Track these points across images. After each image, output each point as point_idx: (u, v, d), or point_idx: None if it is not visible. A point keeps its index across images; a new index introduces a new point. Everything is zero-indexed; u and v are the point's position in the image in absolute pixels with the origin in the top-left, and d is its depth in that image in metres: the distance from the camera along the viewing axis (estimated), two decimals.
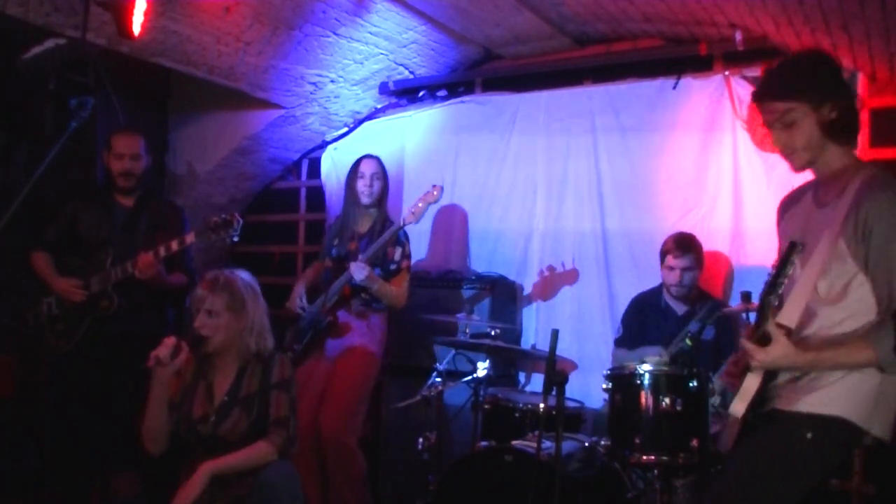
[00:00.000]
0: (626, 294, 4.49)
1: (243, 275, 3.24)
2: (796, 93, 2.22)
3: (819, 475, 2.21)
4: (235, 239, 3.84)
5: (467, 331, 4.38)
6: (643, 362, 3.62)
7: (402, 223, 4.10)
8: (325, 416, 3.99)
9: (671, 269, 4.07)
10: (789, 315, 2.19)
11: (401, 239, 4.29)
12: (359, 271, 3.97)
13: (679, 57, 4.79)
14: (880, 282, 2.12)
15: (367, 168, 4.32)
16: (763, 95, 2.31)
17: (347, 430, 4.01)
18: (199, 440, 3.11)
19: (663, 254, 4.12)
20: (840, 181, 2.24)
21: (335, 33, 4.82)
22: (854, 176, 2.20)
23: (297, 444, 3.16)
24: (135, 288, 3.98)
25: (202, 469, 2.94)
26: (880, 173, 2.20)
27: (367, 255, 4.06)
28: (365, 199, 4.30)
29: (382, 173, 4.37)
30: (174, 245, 3.88)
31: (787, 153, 2.31)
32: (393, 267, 4.24)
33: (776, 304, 2.17)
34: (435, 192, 4.12)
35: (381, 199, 4.35)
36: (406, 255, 4.29)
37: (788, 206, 2.50)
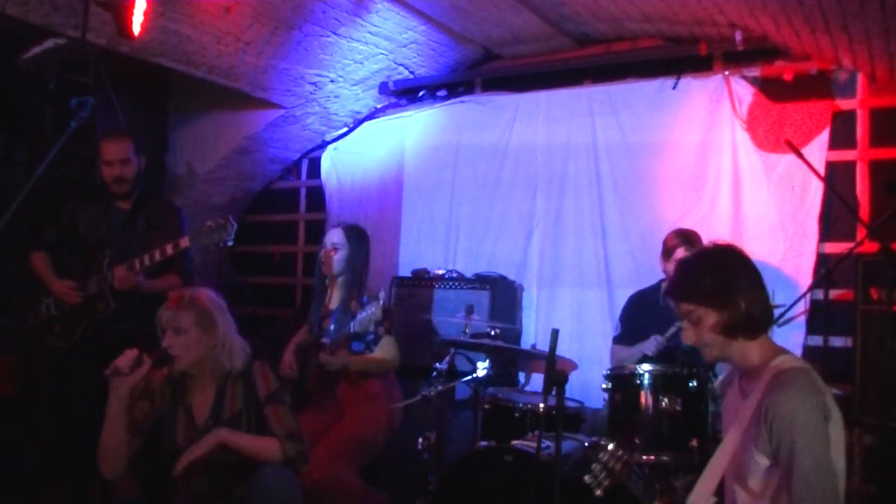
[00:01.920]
0: (625, 293, 4.48)
1: (209, 292, 3.11)
2: (693, 297, 2.32)
3: None
4: (230, 243, 3.76)
5: (467, 331, 4.39)
6: (643, 361, 3.61)
7: (350, 329, 3.80)
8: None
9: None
10: (700, 493, 2.33)
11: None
12: (329, 365, 3.81)
13: (679, 57, 4.80)
14: (787, 481, 2.14)
15: (328, 238, 4.11)
16: (672, 294, 2.43)
17: (338, 465, 3.73)
18: (193, 468, 2.96)
19: (670, 250, 4.05)
20: (755, 374, 2.31)
21: (335, 33, 4.82)
22: (764, 370, 2.27)
23: (309, 460, 3.07)
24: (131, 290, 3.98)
25: (214, 433, 2.89)
26: (787, 365, 2.24)
27: (331, 341, 3.88)
28: (326, 270, 4.08)
29: (346, 241, 4.06)
30: (169, 249, 3.84)
31: (699, 347, 2.40)
32: (370, 338, 4.00)
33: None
34: (376, 311, 3.74)
35: (348, 268, 4.05)
36: (380, 323, 3.90)
37: (726, 386, 2.57)
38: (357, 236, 4.13)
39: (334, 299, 4.13)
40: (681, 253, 4.02)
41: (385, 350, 3.99)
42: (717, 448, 2.33)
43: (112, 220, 4.17)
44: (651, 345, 3.91)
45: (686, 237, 4.07)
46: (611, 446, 3.29)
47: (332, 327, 4.00)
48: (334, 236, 4.10)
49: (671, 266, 4.06)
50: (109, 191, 4.19)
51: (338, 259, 4.06)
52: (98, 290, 3.99)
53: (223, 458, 2.99)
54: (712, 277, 2.29)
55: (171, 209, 4.38)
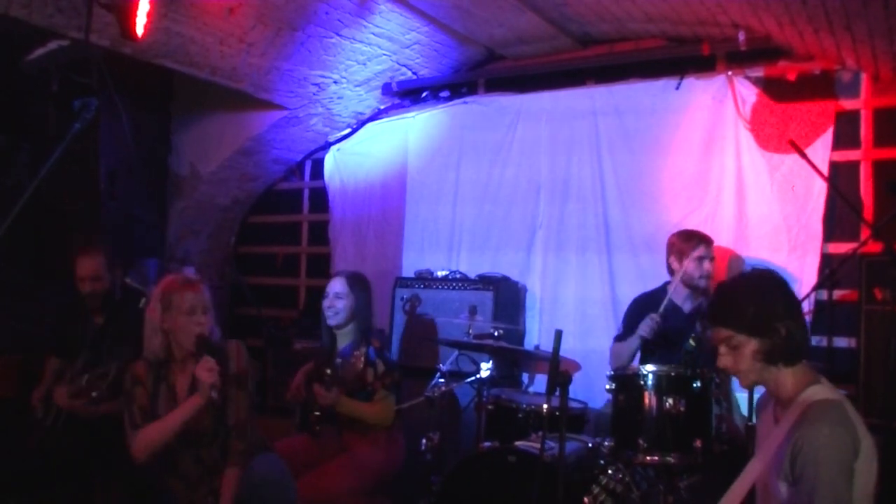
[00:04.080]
0: (629, 294, 4.48)
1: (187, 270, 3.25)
2: (735, 324, 2.32)
3: None
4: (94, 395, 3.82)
5: (470, 331, 4.38)
6: (646, 361, 3.61)
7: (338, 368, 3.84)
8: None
9: (701, 259, 4.03)
10: None
11: (371, 359, 3.85)
12: (321, 397, 3.78)
13: (682, 57, 4.79)
14: None
15: (331, 287, 4.06)
16: (709, 319, 2.43)
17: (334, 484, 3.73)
18: (177, 443, 3.06)
19: (686, 249, 4.07)
20: (788, 403, 2.32)
21: (338, 34, 4.82)
22: (796, 399, 2.27)
23: (254, 453, 3.11)
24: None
25: None
26: (820, 397, 2.24)
27: (331, 377, 3.84)
28: (330, 321, 4.04)
29: (349, 290, 4.02)
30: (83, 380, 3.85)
31: (734, 373, 2.40)
32: (369, 389, 3.89)
33: None
34: (354, 359, 3.76)
35: (351, 318, 4.02)
36: (378, 377, 3.82)
37: (761, 408, 2.59)
38: (359, 284, 4.10)
39: (342, 344, 4.11)
40: (702, 251, 4.03)
41: (379, 405, 3.88)
42: (744, 469, 2.33)
43: (85, 337, 4.11)
44: (646, 325, 3.89)
45: (701, 237, 4.09)
46: (611, 469, 3.27)
47: (338, 360, 3.99)
48: (337, 286, 4.07)
49: (690, 264, 4.04)
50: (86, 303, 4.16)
51: (342, 308, 4.02)
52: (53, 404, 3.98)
53: (213, 449, 3.06)
54: (755, 304, 2.29)
55: (140, 322, 4.24)
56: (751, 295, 2.32)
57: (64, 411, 3.93)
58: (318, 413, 3.91)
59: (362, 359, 3.63)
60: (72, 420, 3.93)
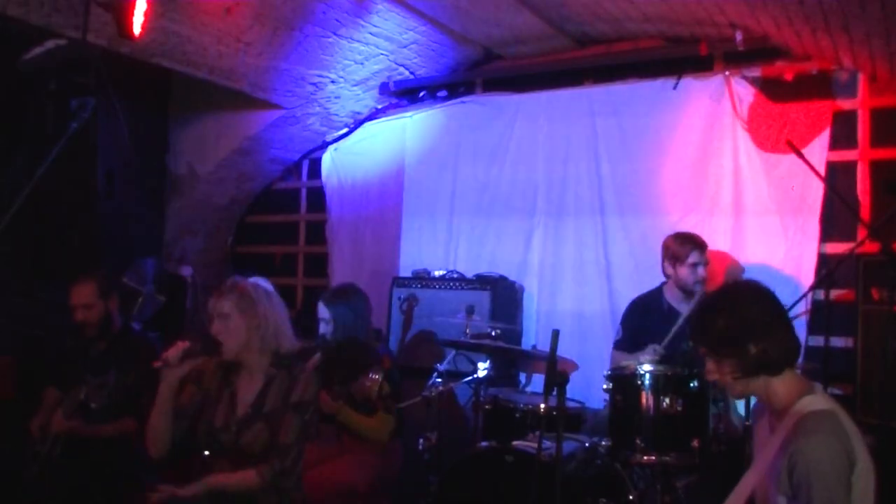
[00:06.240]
0: (626, 294, 4.49)
1: (257, 280, 3.19)
2: (706, 343, 2.32)
3: None
4: None
5: (468, 331, 4.38)
6: (642, 363, 3.62)
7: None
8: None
9: (695, 265, 4.05)
10: None
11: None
12: (324, 405, 3.75)
13: (679, 57, 4.80)
14: None
15: (319, 312, 4.10)
16: (689, 335, 2.45)
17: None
18: (221, 449, 3.03)
19: (682, 254, 4.07)
20: (782, 412, 2.29)
21: (335, 34, 4.82)
22: (790, 410, 2.24)
23: (293, 479, 3.01)
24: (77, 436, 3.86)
25: (202, 484, 2.93)
26: (814, 408, 2.20)
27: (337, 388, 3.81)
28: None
29: (329, 316, 4.04)
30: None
31: (722, 386, 2.39)
32: (371, 406, 3.87)
33: None
34: (373, 386, 3.64)
35: (342, 335, 4.02)
36: (382, 397, 3.80)
37: (757, 415, 2.57)
38: (345, 301, 4.07)
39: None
40: (696, 257, 4.04)
41: (377, 422, 3.87)
42: (742, 478, 2.31)
43: (87, 364, 4.02)
44: (649, 355, 3.90)
45: (696, 242, 4.09)
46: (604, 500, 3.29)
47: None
48: (320, 310, 4.08)
49: (684, 270, 4.06)
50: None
51: (329, 331, 4.03)
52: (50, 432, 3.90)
53: (250, 446, 3.00)
54: (724, 323, 2.27)
55: (142, 348, 4.09)
56: (721, 313, 2.29)
57: (61, 439, 3.82)
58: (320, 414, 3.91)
59: (378, 383, 3.60)
60: (70, 449, 3.82)
